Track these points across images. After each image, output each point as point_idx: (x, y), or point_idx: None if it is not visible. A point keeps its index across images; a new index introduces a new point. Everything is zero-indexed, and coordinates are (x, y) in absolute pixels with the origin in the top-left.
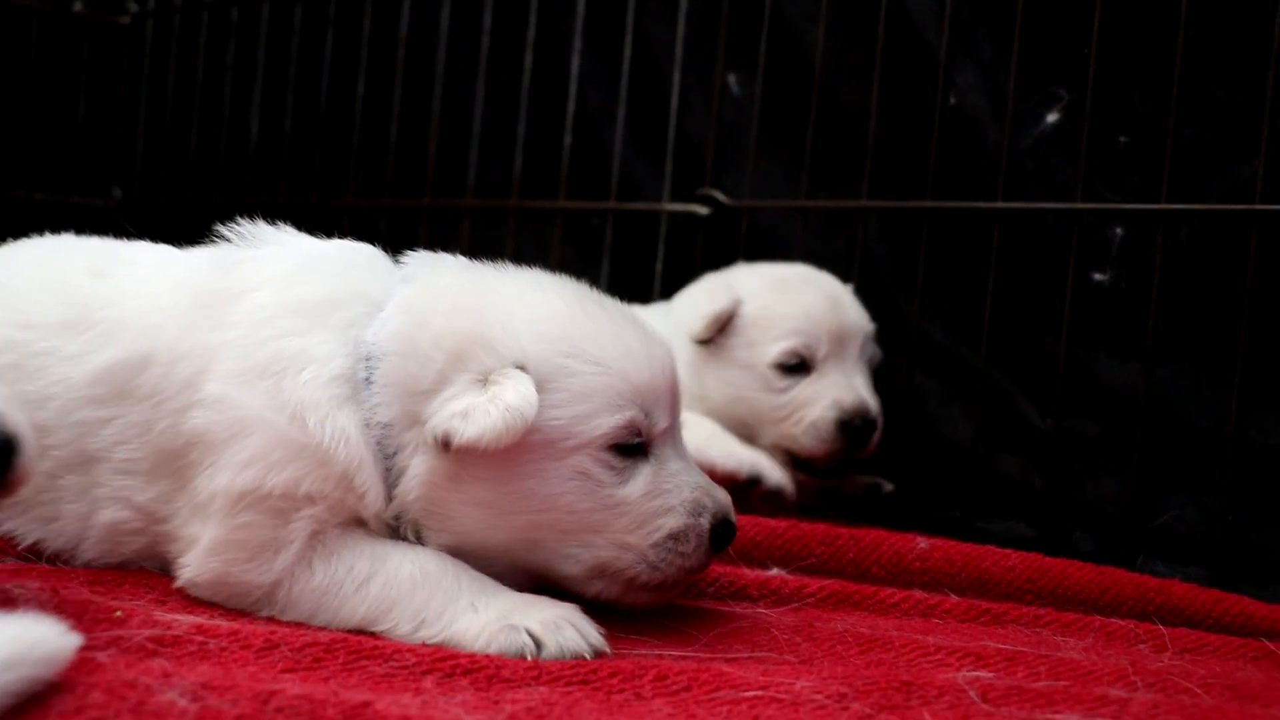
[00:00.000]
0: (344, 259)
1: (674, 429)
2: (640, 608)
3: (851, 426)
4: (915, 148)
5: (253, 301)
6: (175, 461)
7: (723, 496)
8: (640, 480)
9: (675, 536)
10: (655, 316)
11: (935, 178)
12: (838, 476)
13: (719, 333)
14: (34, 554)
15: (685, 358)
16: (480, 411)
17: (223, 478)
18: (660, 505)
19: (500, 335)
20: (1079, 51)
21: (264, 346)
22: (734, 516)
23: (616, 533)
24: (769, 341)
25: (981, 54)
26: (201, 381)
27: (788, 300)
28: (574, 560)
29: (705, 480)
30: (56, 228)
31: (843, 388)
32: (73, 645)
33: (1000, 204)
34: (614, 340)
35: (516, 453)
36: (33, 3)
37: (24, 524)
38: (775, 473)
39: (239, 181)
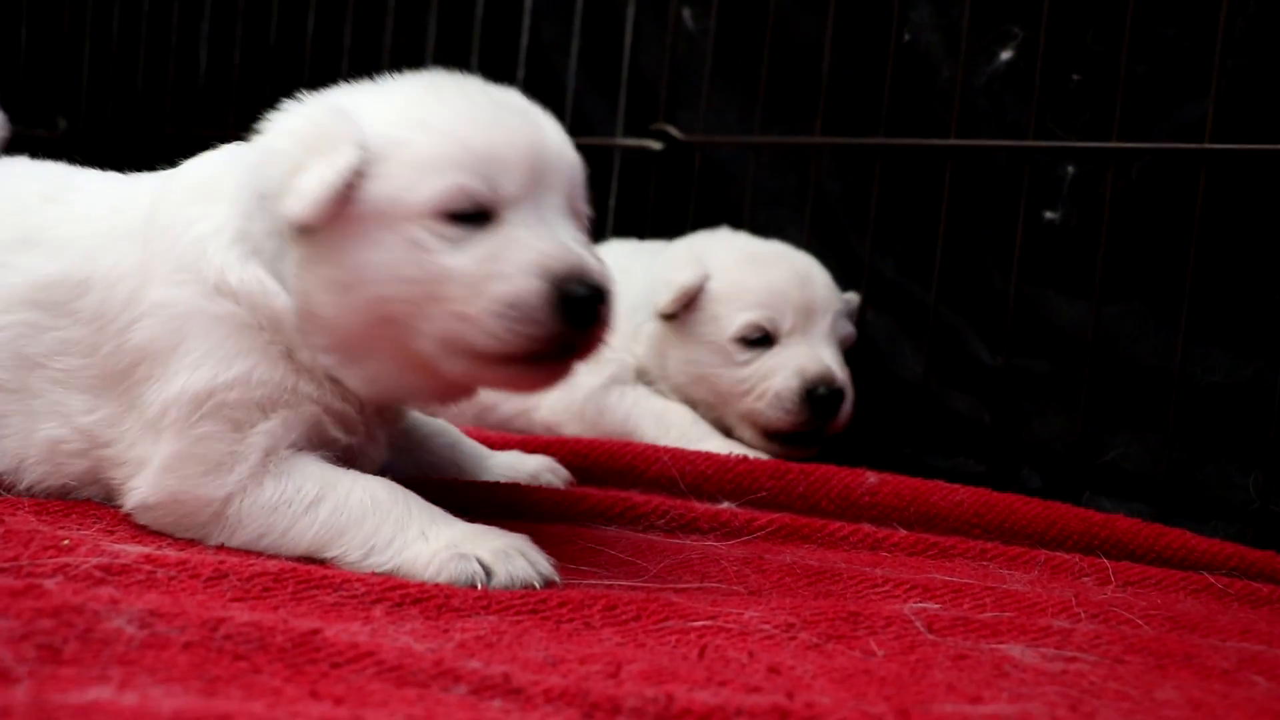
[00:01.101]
0: (237, 147)
1: (534, 199)
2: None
3: (816, 395)
4: (869, 84)
5: (168, 208)
6: (122, 381)
7: (578, 260)
8: (475, 248)
9: (511, 303)
10: (641, 258)
11: (888, 115)
12: (811, 446)
13: (684, 308)
14: None
15: (649, 333)
16: (301, 186)
17: (175, 384)
18: (493, 271)
19: (340, 122)
20: None
21: (180, 242)
22: (597, 279)
23: (453, 303)
24: (732, 314)
25: None
26: (141, 297)
27: (755, 274)
28: (426, 337)
29: (564, 249)
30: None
31: (806, 357)
32: None
33: (952, 141)
34: (457, 111)
35: (352, 225)
36: None
37: None
38: (749, 450)
39: (188, 114)
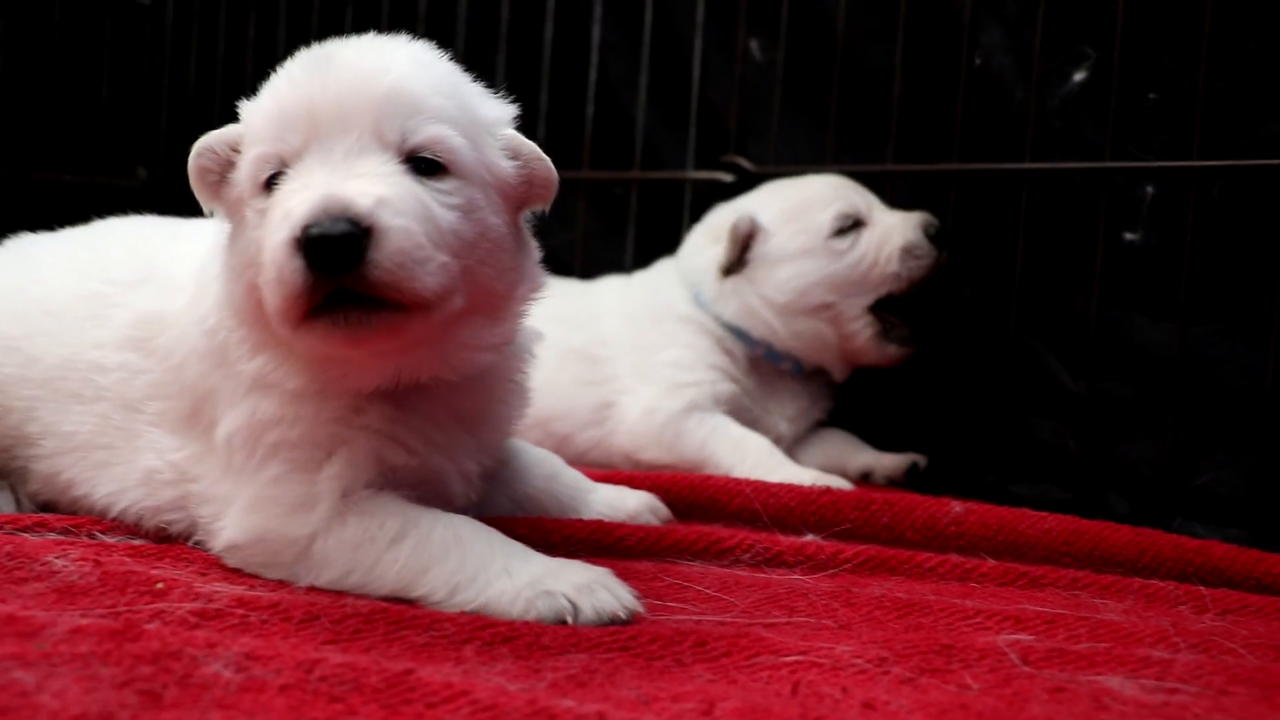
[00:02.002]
0: None
1: (321, 145)
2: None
3: (934, 230)
4: (940, 110)
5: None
6: (196, 423)
7: (325, 199)
8: (268, 215)
9: (270, 261)
10: (664, 272)
11: (961, 139)
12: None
13: (745, 250)
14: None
15: (713, 295)
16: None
17: (224, 427)
18: (266, 234)
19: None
20: (1106, 7)
21: (206, 289)
22: (352, 212)
23: (259, 272)
24: (815, 217)
25: (1007, 12)
26: (188, 335)
27: (799, 186)
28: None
29: (318, 191)
30: (84, 208)
31: (904, 217)
32: None
33: (1028, 165)
34: (274, 86)
35: (233, 215)
36: None
37: (81, 469)
38: (833, 479)
39: None
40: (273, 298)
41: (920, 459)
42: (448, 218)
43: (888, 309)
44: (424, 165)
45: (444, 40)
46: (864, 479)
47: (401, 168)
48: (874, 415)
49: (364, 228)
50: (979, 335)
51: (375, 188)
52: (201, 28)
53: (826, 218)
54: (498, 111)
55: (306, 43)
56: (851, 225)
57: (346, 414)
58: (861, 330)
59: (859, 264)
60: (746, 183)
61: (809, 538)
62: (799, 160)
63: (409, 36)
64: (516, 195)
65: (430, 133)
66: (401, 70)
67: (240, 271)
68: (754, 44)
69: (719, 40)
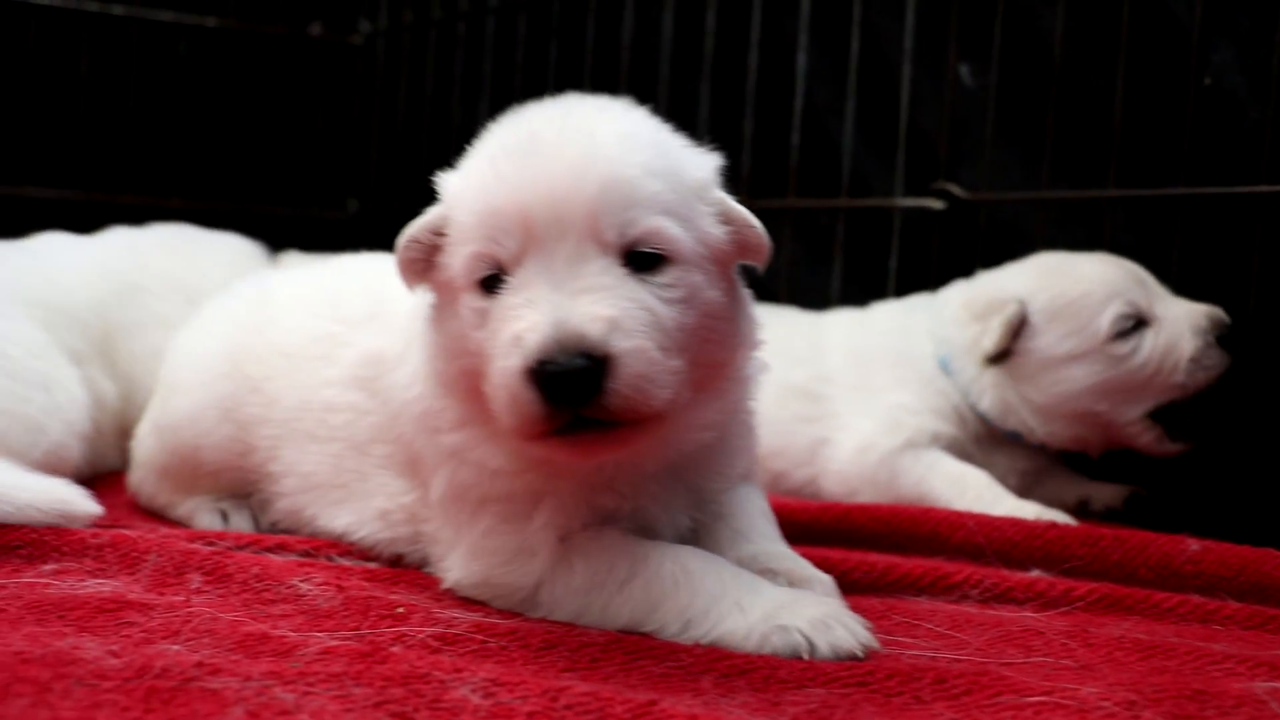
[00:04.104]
0: None
1: (540, 250)
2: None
3: (1224, 330)
4: (1165, 132)
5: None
6: (418, 471)
7: (559, 330)
8: (490, 321)
9: (498, 384)
10: (912, 317)
11: (1189, 163)
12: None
13: (1014, 339)
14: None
15: (968, 379)
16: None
17: (436, 482)
18: (490, 347)
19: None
20: None
21: (412, 350)
22: (587, 345)
23: (483, 379)
24: (1089, 318)
25: (1239, 28)
26: (410, 383)
27: (1073, 277)
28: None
29: (547, 318)
30: (297, 240)
31: (1186, 311)
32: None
33: (1264, 188)
34: (483, 175)
35: (442, 296)
36: (274, 30)
37: (320, 506)
38: (1057, 514)
39: None
40: (505, 415)
41: (1141, 490)
42: (672, 315)
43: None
44: (643, 259)
45: (648, 70)
46: (1080, 509)
47: (623, 270)
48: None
49: (599, 358)
50: None
51: (604, 308)
52: (410, 66)
53: (1106, 320)
54: (704, 170)
55: (511, 76)
56: (1133, 326)
57: (548, 478)
58: (1140, 434)
59: (1140, 372)
60: (957, 210)
61: (1035, 573)
62: (1012, 186)
63: (611, 97)
64: (729, 258)
65: (648, 225)
66: (612, 154)
67: (452, 355)
68: (964, 68)
69: (928, 65)
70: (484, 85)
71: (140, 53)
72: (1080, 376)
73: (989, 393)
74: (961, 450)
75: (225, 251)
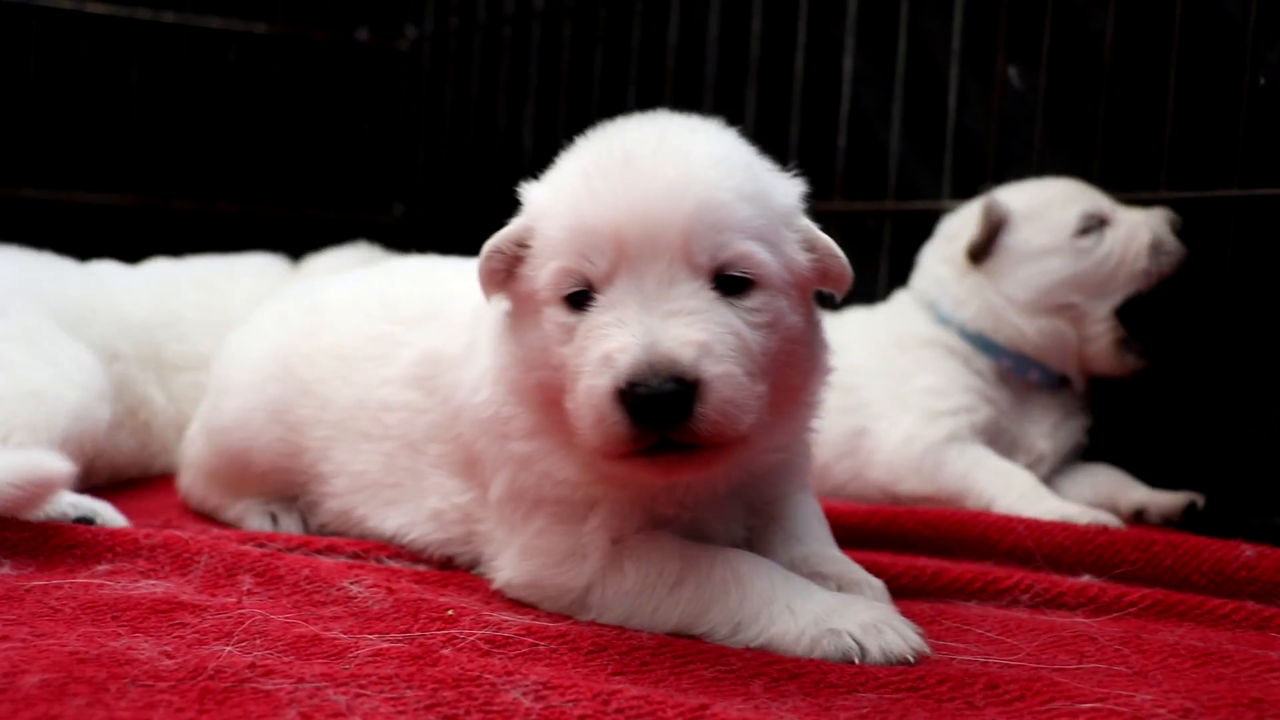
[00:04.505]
0: None
1: (632, 271)
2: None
3: (1179, 226)
4: (1218, 133)
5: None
6: (476, 472)
7: (650, 353)
8: (576, 336)
9: (584, 402)
10: (901, 300)
11: (1242, 164)
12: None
13: (992, 241)
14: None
15: (952, 302)
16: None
17: (497, 482)
18: (578, 364)
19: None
20: None
21: (478, 353)
22: (679, 370)
23: (567, 394)
24: (1062, 214)
25: None
26: (477, 386)
27: (1050, 186)
28: (573, 422)
29: (639, 339)
30: (344, 242)
31: (1146, 214)
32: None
33: None
34: (574, 189)
35: (521, 307)
36: (321, 36)
37: (372, 506)
38: (1104, 515)
39: (515, 194)
40: (590, 433)
41: (1199, 498)
42: (757, 339)
43: (1134, 316)
44: (731, 283)
45: (694, 75)
46: (1137, 518)
47: (713, 293)
48: (1144, 449)
49: (689, 382)
50: (1262, 368)
51: (695, 332)
52: (456, 69)
53: (1071, 215)
54: (791, 197)
55: (557, 81)
56: (1096, 224)
57: (609, 486)
58: (1103, 334)
59: (1105, 262)
60: None
61: (1085, 578)
62: None
63: (701, 117)
64: (810, 284)
65: (738, 249)
66: (706, 177)
67: (529, 366)
68: (1012, 70)
69: (976, 67)
70: (529, 90)
71: (190, 59)
72: (1055, 268)
73: (972, 302)
74: (997, 428)
75: (245, 278)
